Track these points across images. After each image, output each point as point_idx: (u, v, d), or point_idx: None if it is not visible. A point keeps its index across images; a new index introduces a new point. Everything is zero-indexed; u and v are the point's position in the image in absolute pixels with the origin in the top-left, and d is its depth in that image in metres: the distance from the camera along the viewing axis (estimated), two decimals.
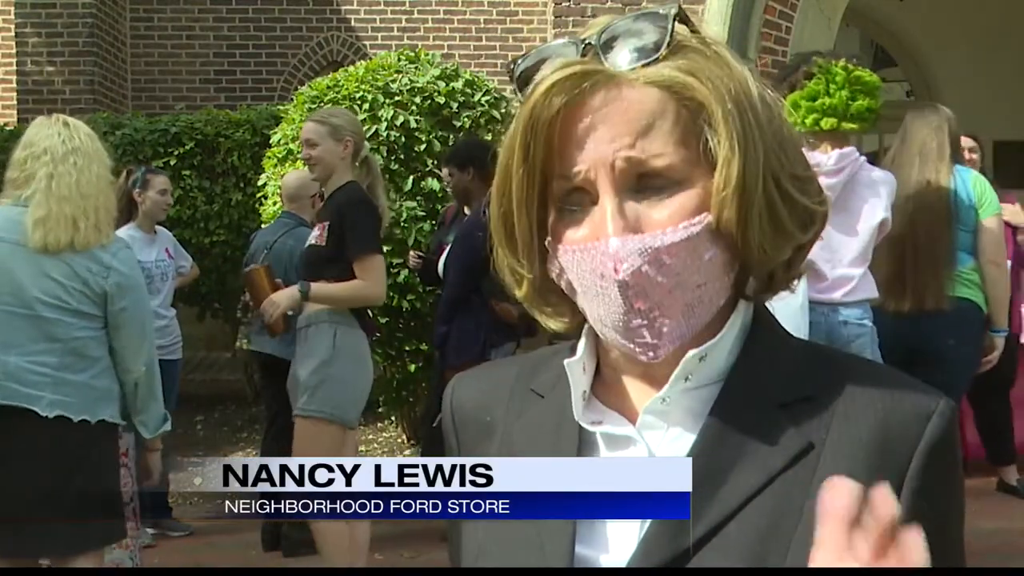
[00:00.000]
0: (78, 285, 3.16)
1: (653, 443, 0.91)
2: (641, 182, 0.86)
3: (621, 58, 0.87)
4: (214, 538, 5.88)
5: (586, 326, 0.96)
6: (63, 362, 3.17)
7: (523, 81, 0.90)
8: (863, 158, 3.90)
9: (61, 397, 3.15)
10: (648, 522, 0.87)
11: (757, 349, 0.92)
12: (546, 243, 0.91)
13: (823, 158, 3.88)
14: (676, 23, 0.87)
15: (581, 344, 0.96)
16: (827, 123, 3.85)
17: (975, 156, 5.76)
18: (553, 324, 0.98)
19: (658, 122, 0.86)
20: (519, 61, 0.91)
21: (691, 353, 0.89)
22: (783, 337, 0.95)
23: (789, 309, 3.93)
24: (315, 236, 4.21)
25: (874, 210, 3.86)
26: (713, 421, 0.89)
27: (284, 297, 4.16)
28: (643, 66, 0.86)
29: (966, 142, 5.70)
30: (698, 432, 0.89)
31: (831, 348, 1.01)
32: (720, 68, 0.87)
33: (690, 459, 0.86)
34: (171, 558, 5.43)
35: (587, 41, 0.88)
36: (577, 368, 0.93)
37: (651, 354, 0.88)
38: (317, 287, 4.09)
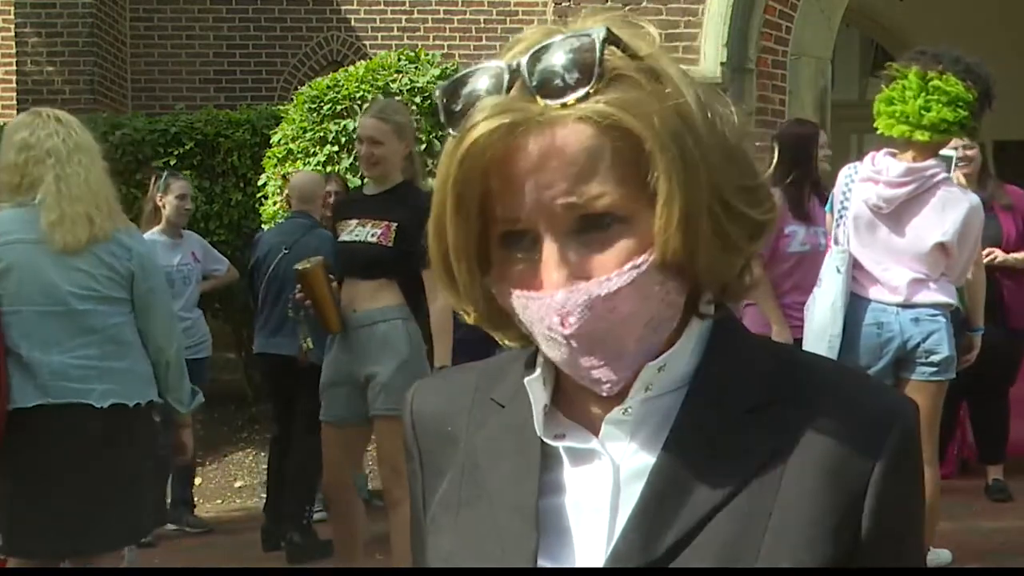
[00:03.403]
0: (105, 271, 3.19)
1: (617, 455, 0.90)
2: (584, 222, 0.84)
3: (550, 92, 0.82)
4: (214, 538, 5.88)
5: None
6: (104, 351, 3.20)
7: (447, 100, 0.86)
8: (945, 176, 3.77)
9: (111, 386, 3.18)
10: (617, 533, 0.87)
11: (720, 353, 0.91)
12: (487, 281, 0.88)
13: (889, 164, 3.78)
14: (607, 47, 0.83)
15: (540, 358, 0.94)
16: (898, 130, 3.73)
17: (971, 154, 5.57)
18: (510, 341, 0.96)
19: (595, 162, 0.82)
20: (443, 84, 0.87)
21: (649, 365, 0.88)
22: (746, 339, 0.94)
23: (821, 305, 3.90)
24: (377, 235, 4.11)
25: (931, 231, 3.77)
26: (679, 429, 0.88)
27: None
28: (575, 101, 0.82)
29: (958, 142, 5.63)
30: (664, 440, 0.88)
31: (796, 350, 1.00)
32: (656, 99, 0.83)
33: None
34: (171, 558, 5.43)
35: (513, 67, 0.84)
36: (537, 385, 0.92)
37: (607, 387, 0.87)
38: (440, 352, 4.03)
